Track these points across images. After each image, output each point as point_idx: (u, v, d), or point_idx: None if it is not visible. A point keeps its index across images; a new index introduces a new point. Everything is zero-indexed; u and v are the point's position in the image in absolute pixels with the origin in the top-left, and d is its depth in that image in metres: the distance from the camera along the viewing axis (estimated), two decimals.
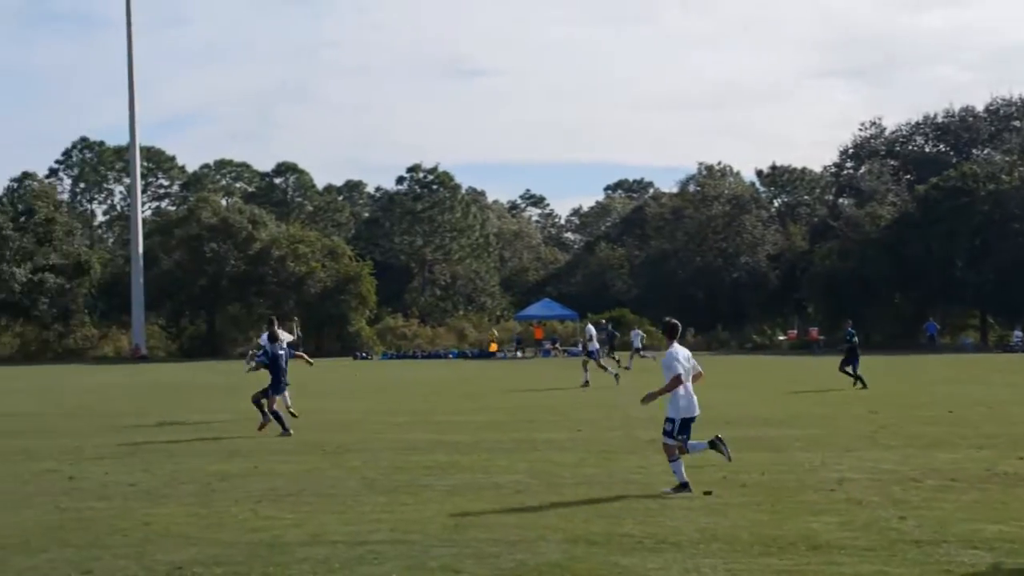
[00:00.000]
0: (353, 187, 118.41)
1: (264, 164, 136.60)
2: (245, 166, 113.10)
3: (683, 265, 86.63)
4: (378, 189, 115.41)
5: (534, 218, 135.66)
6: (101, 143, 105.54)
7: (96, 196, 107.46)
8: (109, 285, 79.09)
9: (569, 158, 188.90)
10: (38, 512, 11.80)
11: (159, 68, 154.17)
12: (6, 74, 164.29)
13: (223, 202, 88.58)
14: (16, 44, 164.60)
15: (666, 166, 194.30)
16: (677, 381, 12.49)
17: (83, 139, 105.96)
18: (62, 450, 17.70)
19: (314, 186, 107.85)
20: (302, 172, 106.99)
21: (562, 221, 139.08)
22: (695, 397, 12.72)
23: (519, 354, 65.15)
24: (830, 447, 16.55)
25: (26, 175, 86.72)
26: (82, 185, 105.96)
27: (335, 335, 73.41)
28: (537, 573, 8.75)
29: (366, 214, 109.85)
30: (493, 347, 66.02)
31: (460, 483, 13.34)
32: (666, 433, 12.68)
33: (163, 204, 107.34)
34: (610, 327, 49.89)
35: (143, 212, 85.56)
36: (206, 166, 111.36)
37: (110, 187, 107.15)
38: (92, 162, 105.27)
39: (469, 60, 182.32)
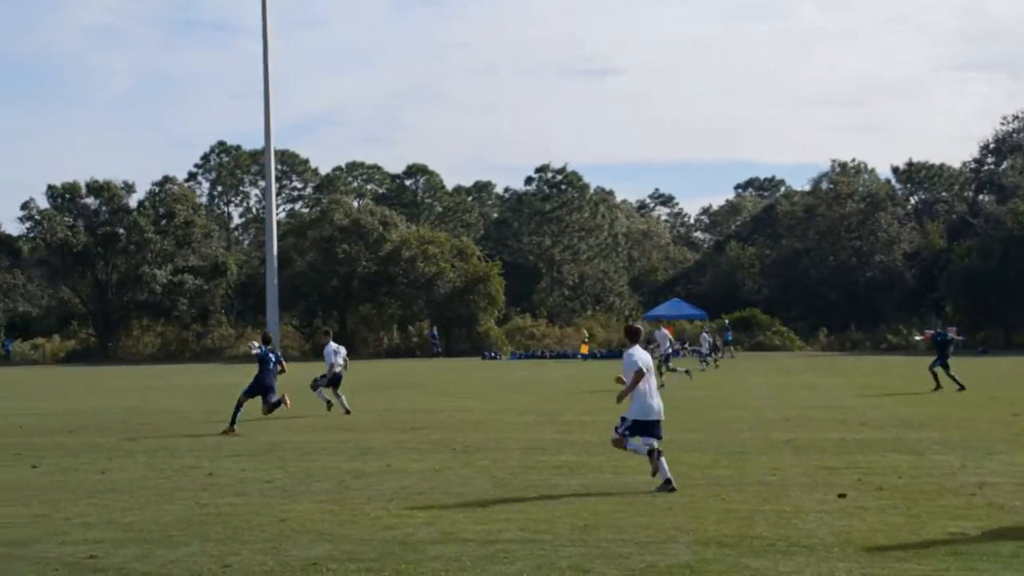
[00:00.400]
0: (482, 188, 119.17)
1: (394, 166, 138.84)
2: (376, 168, 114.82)
3: (815, 264, 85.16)
4: (507, 189, 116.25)
5: (663, 217, 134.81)
6: (238, 147, 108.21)
7: (233, 199, 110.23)
8: (245, 286, 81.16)
9: (699, 157, 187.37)
10: (180, 507, 12.16)
11: (293, 72, 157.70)
12: (150, 80, 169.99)
13: (354, 204, 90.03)
14: (160, 51, 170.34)
15: (798, 163, 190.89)
16: (640, 375, 12.87)
17: (220, 143, 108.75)
18: (202, 447, 18.21)
19: (443, 187, 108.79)
20: (432, 173, 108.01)
21: (691, 220, 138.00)
22: (656, 400, 13.10)
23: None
24: (970, 450, 16.09)
25: (167, 179, 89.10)
26: (219, 188, 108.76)
27: (464, 335, 74.05)
28: (667, 574, 8.69)
29: (495, 214, 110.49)
30: (584, 348, 65.50)
31: (589, 483, 13.34)
32: (616, 429, 13.18)
33: (297, 206, 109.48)
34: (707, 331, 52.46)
35: (277, 214, 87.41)
36: (338, 168, 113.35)
37: (246, 190, 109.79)
38: (229, 166, 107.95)
39: (598, 59, 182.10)
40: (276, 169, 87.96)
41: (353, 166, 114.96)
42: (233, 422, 20.62)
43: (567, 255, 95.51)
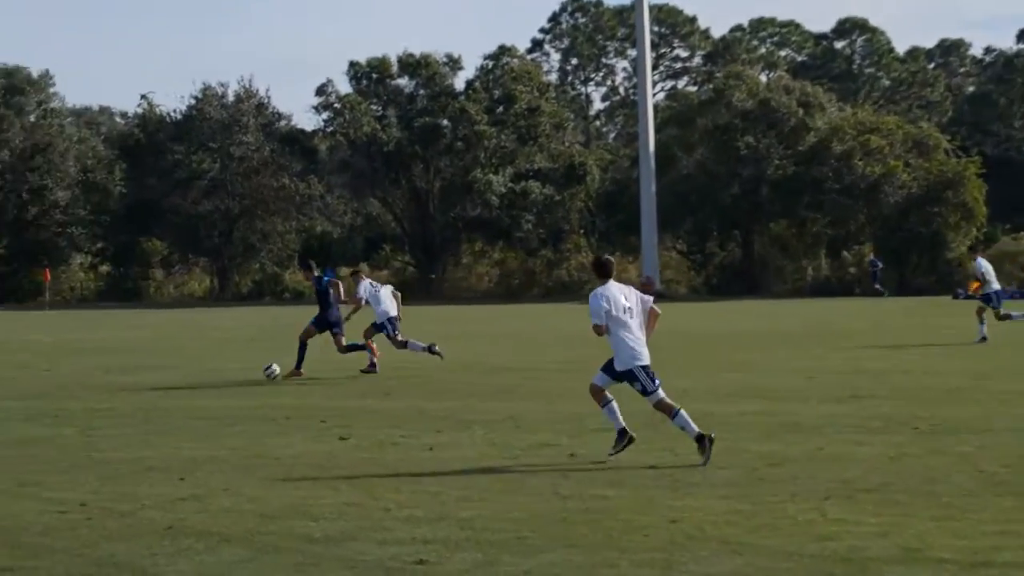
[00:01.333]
0: (950, 49, 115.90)
1: (819, 22, 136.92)
2: (792, 26, 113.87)
3: None
4: (988, 50, 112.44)
5: None
6: (598, 3, 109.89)
7: (592, 76, 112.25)
8: (610, 196, 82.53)
9: None
10: (532, 498, 12.50)
11: None
12: None
13: (762, 78, 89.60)
14: None
15: None
16: (597, 330, 14.57)
17: None
18: (558, 417, 18.69)
19: (892, 50, 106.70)
20: (874, 31, 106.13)
21: None
22: (638, 345, 14.50)
23: None
24: None
25: (503, 50, 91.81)
26: (574, 61, 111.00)
27: (926, 264, 72.53)
28: None
29: (970, 88, 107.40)
30: (974, 285, 62.10)
31: None
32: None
33: (681, 84, 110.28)
34: None
35: (655, 95, 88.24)
36: (738, 28, 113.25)
37: (610, 63, 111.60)
38: (586, 30, 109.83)
39: None
40: (652, 33, 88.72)
41: (760, 24, 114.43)
42: (299, 364, 25.86)
43: None
